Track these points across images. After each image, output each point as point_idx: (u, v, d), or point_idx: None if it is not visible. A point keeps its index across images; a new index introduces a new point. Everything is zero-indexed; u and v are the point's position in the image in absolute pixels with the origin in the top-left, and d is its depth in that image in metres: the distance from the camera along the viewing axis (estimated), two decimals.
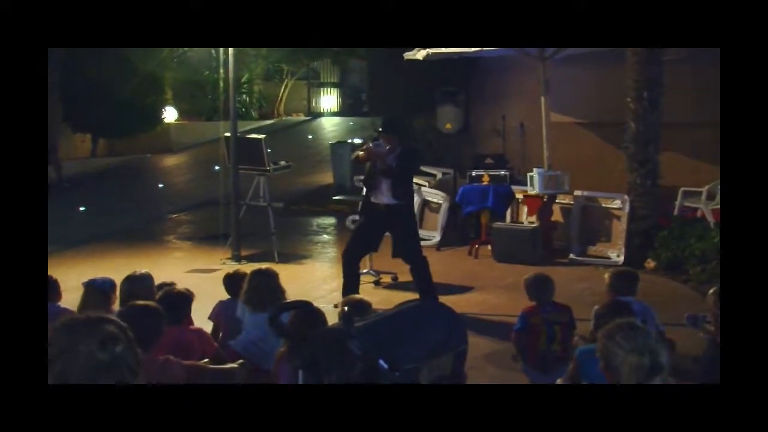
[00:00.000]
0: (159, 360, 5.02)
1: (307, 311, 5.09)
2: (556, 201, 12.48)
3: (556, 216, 12.58)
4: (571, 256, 11.94)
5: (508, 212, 12.88)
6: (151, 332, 5.10)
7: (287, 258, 11.90)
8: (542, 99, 12.76)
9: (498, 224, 12.26)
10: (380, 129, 9.43)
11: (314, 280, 11.04)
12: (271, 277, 6.53)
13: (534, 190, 12.20)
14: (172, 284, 6.67)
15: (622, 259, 11.46)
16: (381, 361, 3.61)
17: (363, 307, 5.66)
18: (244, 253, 11.92)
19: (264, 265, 7.00)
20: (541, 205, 12.25)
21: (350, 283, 9.20)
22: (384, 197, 9.24)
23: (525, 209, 12.66)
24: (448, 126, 14.13)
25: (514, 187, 12.69)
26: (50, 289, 7.21)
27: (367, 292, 9.71)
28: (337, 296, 9.48)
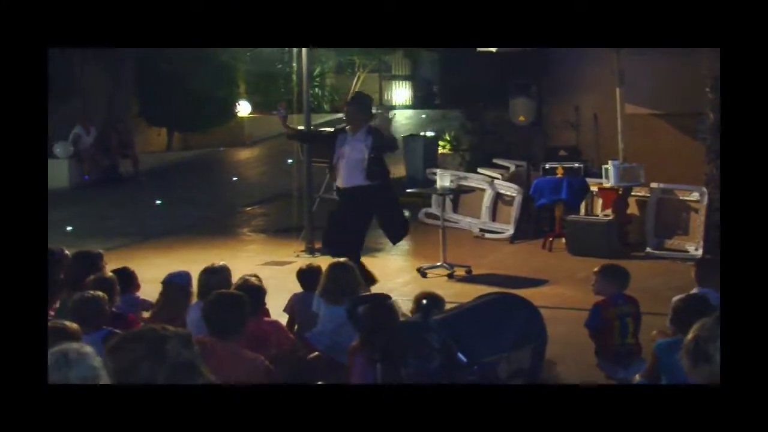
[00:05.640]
0: (247, 356, 5.06)
1: (380, 305, 5.09)
2: (632, 193, 12.31)
3: (632, 209, 12.40)
4: (648, 249, 11.77)
5: (583, 205, 12.75)
6: (237, 321, 5.16)
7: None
8: (617, 90, 12.59)
9: (572, 217, 12.14)
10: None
11: (387, 272, 11.03)
12: (350, 270, 6.53)
13: (609, 182, 12.05)
14: (252, 276, 6.72)
15: (700, 252, 11.26)
16: (459, 354, 3.59)
17: (437, 301, 5.66)
18: (317, 245, 11.95)
19: (342, 258, 7.01)
20: (617, 198, 12.09)
21: None
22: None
23: (600, 202, 12.51)
24: (522, 118, 13.97)
25: (588, 180, 12.55)
26: (128, 280, 7.36)
27: (440, 285, 9.71)
28: (411, 289, 9.48)
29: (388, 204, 9.69)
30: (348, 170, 9.39)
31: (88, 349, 3.66)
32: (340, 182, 9.54)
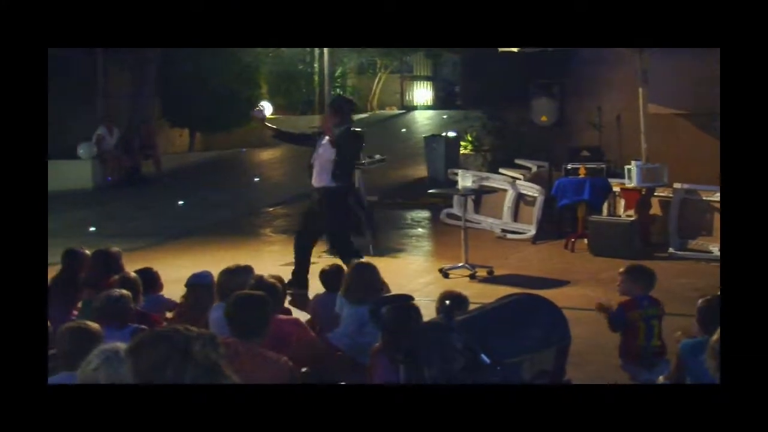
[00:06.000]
0: (270, 357, 5.06)
1: (402, 306, 5.09)
2: (655, 194, 12.25)
3: (655, 209, 12.35)
4: (671, 250, 11.71)
5: (605, 205, 12.71)
6: (259, 321, 5.16)
7: (382, 251, 11.90)
8: (640, 90, 12.53)
9: (595, 217, 12.10)
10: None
11: (409, 273, 11.04)
12: (372, 271, 6.53)
13: (632, 183, 12.00)
14: (270, 276, 6.72)
15: None
16: (483, 356, 3.58)
17: (461, 300, 5.64)
18: None
19: (364, 259, 7.02)
20: (640, 198, 12.04)
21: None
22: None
23: (622, 202, 12.47)
24: (544, 119, 13.96)
25: (611, 180, 12.50)
26: (151, 281, 7.38)
27: (462, 285, 9.67)
28: (433, 290, 9.46)
29: (357, 206, 9.85)
30: (318, 170, 9.74)
31: None
32: (313, 181, 9.85)
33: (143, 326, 5.97)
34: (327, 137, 9.56)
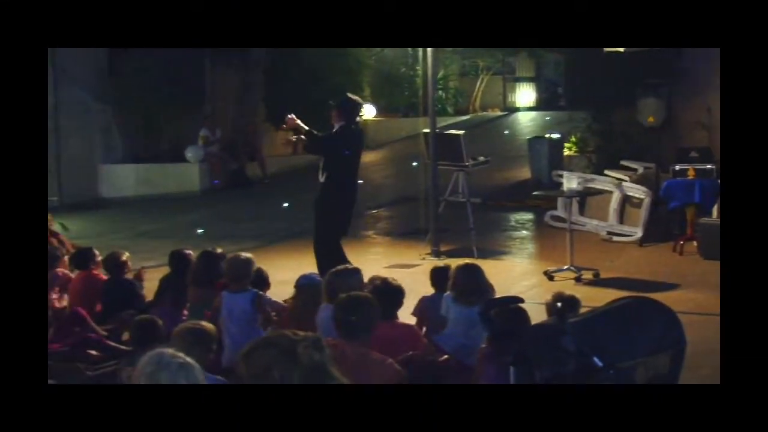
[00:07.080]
0: (376, 358, 5.09)
1: (512, 308, 5.06)
2: None
3: None
4: None
5: (716, 207, 12.43)
6: (365, 323, 5.20)
7: (486, 253, 11.85)
8: None
9: (705, 220, 11.84)
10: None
11: (514, 275, 10.98)
12: (480, 272, 6.51)
13: None
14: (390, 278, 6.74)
15: None
16: (595, 359, 3.54)
17: (573, 303, 5.58)
18: (443, 248, 11.95)
19: (469, 260, 7.00)
20: None
21: None
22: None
23: None
24: (651, 119, 13.72)
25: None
26: (261, 280, 7.52)
27: (567, 288, 9.55)
28: (537, 293, 9.39)
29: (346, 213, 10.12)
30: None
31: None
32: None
33: (261, 292, 6.80)
34: None
